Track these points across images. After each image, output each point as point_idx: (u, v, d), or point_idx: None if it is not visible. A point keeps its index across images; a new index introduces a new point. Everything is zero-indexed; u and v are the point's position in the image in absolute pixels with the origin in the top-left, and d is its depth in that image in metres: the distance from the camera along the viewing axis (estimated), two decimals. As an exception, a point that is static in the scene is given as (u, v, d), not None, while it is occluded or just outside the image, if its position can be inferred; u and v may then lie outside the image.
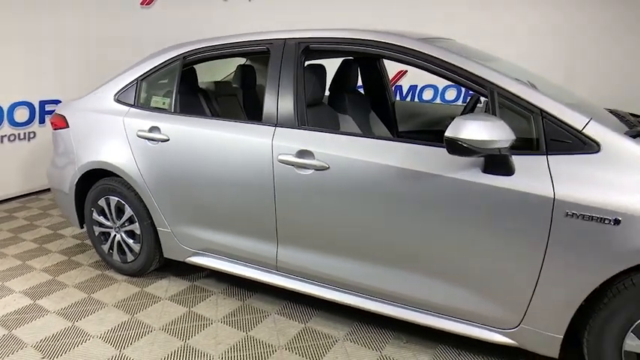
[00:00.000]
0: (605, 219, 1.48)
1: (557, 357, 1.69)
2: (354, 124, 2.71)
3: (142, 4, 5.34)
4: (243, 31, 2.45)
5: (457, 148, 1.55)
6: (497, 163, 1.61)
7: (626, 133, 1.57)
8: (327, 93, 2.71)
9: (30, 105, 4.47)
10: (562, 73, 4.92)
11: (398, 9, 5.44)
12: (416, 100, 6.08)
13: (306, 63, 2.26)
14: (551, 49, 5.09)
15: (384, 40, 1.96)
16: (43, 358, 2.03)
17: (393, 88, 6.04)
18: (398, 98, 6.02)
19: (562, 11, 5.04)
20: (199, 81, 3.02)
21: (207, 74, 3.68)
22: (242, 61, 3.57)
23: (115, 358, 2.02)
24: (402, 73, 6.06)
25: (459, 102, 5.83)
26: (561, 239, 1.55)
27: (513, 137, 1.55)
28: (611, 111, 2.20)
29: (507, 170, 1.61)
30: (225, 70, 3.87)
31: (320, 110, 2.43)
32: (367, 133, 2.81)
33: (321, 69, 2.44)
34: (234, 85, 3.25)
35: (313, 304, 2.40)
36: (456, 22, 5.16)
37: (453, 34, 2.83)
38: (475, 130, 1.52)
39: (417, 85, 6.13)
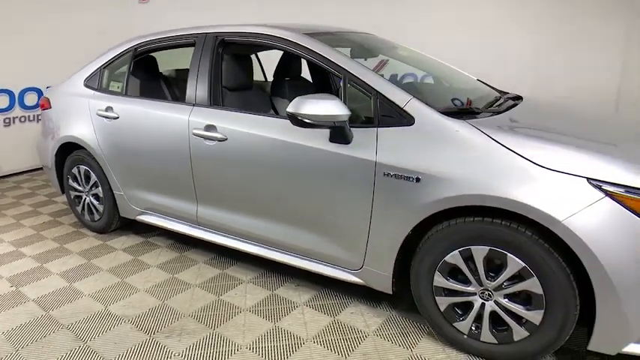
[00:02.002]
0: (410, 177, 1.85)
1: (391, 292, 2.08)
2: None
3: (140, 1, 5.90)
4: (236, 23, 2.86)
5: (297, 121, 1.95)
6: (336, 134, 2.00)
7: (438, 110, 1.91)
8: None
9: (38, 90, 5.12)
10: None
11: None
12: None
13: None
14: (517, 37, 5.23)
15: (272, 33, 2.37)
16: (12, 286, 2.60)
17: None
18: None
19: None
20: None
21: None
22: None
23: (65, 289, 2.56)
24: (383, 63, 6.32)
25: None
26: (382, 195, 1.93)
27: (347, 113, 1.93)
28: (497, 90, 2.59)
29: (345, 139, 1.99)
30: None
31: (247, 94, 2.84)
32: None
33: (246, 59, 2.85)
34: None
35: (237, 256, 2.85)
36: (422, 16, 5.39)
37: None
38: (312, 107, 1.91)
39: (397, 74, 6.38)
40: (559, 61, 4.94)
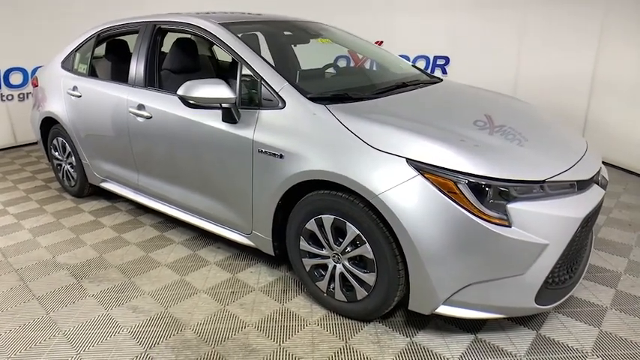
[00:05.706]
0: (276, 154, 2.11)
1: (273, 254, 2.37)
2: None
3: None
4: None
5: (187, 103, 2.24)
6: (225, 114, 2.28)
7: (306, 96, 2.14)
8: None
9: (49, 69, 5.66)
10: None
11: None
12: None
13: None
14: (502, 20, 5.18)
15: (191, 22, 2.65)
16: (-12, 237, 3.13)
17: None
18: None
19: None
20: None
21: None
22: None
23: (28, 241, 3.05)
24: (378, 44, 6.43)
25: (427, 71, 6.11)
26: (258, 169, 2.21)
27: (232, 96, 2.20)
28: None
29: (232, 119, 2.27)
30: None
31: (193, 76, 3.14)
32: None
33: (190, 43, 3.15)
34: None
35: (180, 221, 3.23)
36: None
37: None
38: (200, 90, 2.20)
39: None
40: (538, 47, 4.89)
